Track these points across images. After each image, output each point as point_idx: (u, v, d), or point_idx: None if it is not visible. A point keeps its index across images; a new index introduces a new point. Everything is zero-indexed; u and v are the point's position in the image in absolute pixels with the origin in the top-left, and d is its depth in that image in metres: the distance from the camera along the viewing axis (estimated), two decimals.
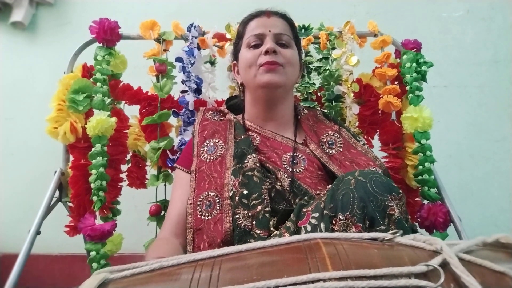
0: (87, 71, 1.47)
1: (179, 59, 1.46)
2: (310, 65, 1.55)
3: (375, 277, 0.47)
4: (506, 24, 2.22)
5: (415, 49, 1.52)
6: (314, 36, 1.56)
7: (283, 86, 1.14)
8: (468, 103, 2.20)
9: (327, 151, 1.14)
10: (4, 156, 2.19)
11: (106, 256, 1.29)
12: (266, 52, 1.10)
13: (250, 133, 1.19)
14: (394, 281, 0.47)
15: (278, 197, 1.03)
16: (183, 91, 1.47)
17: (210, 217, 1.00)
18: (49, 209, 1.33)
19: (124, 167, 1.50)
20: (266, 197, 0.99)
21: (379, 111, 1.54)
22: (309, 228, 0.83)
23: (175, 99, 1.50)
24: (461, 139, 2.18)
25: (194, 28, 1.50)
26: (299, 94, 1.53)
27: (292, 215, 0.90)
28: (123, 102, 1.55)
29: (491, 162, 2.16)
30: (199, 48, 1.50)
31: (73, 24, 2.25)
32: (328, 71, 1.50)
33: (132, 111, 1.56)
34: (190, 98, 1.44)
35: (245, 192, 0.99)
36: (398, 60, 1.56)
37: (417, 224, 1.40)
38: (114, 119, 1.37)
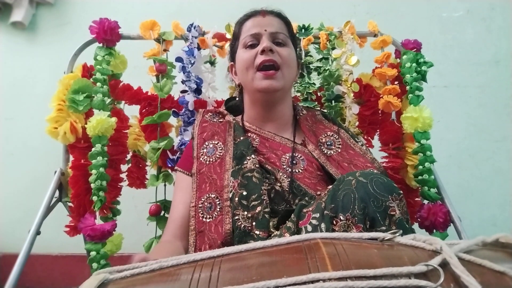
0: (87, 71, 1.47)
1: (179, 59, 1.46)
2: (310, 65, 1.55)
3: (375, 277, 0.47)
4: (506, 24, 2.22)
5: (415, 49, 1.52)
6: (314, 36, 1.56)
7: (282, 89, 1.15)
8: (468, 103, 2.20)
9: (325, 151, 1.14)
10: (4, 156, 2.19)
11: (106, 256, 1.29)
12: (263, 51, 1.10)
13: (249, 134, 1.19)
14: (394, 281, 0.47)
15: (278, 197, 1.03)
16: (183, 91, 1.47)
17: (211, 219, 1.01)
18: (49, 209, 1.33)
19: (124, 167, 1.50)
20: (265, 198, 0.99)
21: (379, 111, 1.53)
22: (309, 228, 0.83)
23: (175, 99, 1.50)
24: (461, 139, 2.18)
25: (194, 28, 1.50)
26: (299, 94, 1.52)
27: (292, 216, 0.90)
28: (123, 102, 1.55)
29: (491, 162, 2.16)
30: (199, 48, 1.50)
31: (73, 24, 2.25)
32: (328, 71, 1.50)
33: (132, 111, 1.56)
34: (190, 98, 1.44)
35: (245, 193, 0.99)
36: (398, 60, 1.56)
37: (416, 224, 1.40)
38: (114, 119, 1.37)
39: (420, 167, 1.40)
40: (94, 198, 1.31)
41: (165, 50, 1.53)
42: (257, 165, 1.05)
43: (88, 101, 1.38)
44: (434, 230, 1.36)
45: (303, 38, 1.52)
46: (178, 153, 1.42)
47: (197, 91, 1.48)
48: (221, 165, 1.09)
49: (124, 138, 1.48)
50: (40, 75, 2.20)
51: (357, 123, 1.52)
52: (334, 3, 2.21)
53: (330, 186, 0.87)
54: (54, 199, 1.36)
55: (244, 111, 1.27)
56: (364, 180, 0.79)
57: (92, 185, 1.31)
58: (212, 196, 1.04)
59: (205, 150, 1.15)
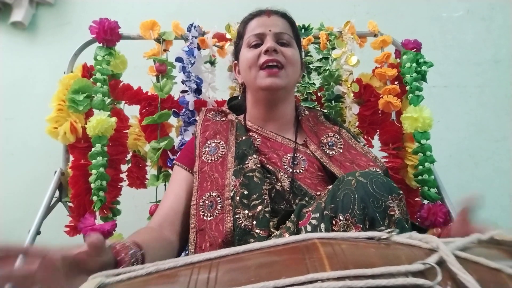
0: (87, 71, 1.47)
1: (179, 59, 1.47)
2: (310, 65, 1.55)
3: (372, 276, 0.47)
4: (506, 24, 2.22)
5: (415, 49, 1.52)
6: (314, 36, 1.56)
7: (285, 88, 1.15)
8: (468, 103, 2.20)
9: (327, 152, 1.14)
10: (4, 156, 2.19)
11: None
12: (266, 51, 1.10)
13: (251, 134, 1.19)
14: (391, 280, 0.47)
15: (278, 197, 1.03)
16: (183, 91, 1.47)
17: (212, 218, 1.01)
18: (49, 209, 1.33)
19: (124, 167, 1.51)
20: (266, 197, 0.99)
21: (379, 111, 1.54)
22: (309, 228, 0.83)
23: (175, 99, 1.51)
24: (461, 139, 2.18)
25: (194, 28, 1.50)
26: (299, 94, 1.53)
27: (292, 216, 0.90)
28: (123, 102, 1.56)
29: (491, 162, 2.16)
30: (199, 48, 1.50)
31: (73, 24, 2.25)
32: (328, 71, 1.50)
33: (132, 111, 1.56)
34: (190, 98, 1.45)
35: (246, 192, 1.00)
36: (398, 60, 1.56)
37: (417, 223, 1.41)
38: (114, 119, 1.37)
39: (420, 167, 1.40)
40: (94, 198, 1.31)
41: (165, 50, 1.53)
42: (258, 165, 1.05)
43: (88, 101, 1.39)
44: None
45: (303, 38, 1.52)
46: (179, 153, 1.42)
47: (197, 91, 1.48)
48: (223, 164, 1.09)
49: (124, 138, 1.49)
50: (40, 75, 2.20)
51: (357, 123, 1.52)
52: (334, 3, 2.21)
53: (330, 186, 0.87)
54: (54, 199, 1.36)
55: (246, 111, 1.27)
56: (364, 180, 0.79)
57: (92, 185, 1.31)
58: (214, 194, 1.04)
59: (207, 149, 1.15)
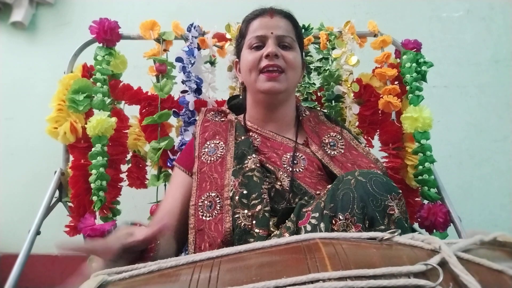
0: (87, 71, 1.47)
1: (179, 59, 1.47)
2: (310, 65, 1.55)
3: (374, 277, 0.47)
4: (506, 24, 2.22)
5: (415, 49, 1.52)
6: (314, 36, 1.56)
7: (285, 92, 1.14)
8: (468, 103, 2.20)
9: (328, 152, 1.14)
10: (4, 156, 2.19)
11: None
12: (267, 56, 1.10)
13: (250, 133, 1.19)
14: (393, 281, 0.47)
15: (278, 196, 1.03)
16: (183, 91, 1.47)
17: (211, 218, 1.01)
18: (49, 209, 1.33)
19: (124, 167, 1.51)
20: (265, 196, 0.99)
21: (379, 111, 1.54)
22: (309, 228, 0.83)
23: (175, 99, 1.50)
24: (461, 139, 2.18)
25: (194, 28, 1.50)
26: (299, 94, 1.53)
27: (292, 215, 0.90)
28: (123, 102, 1.55)
29: (491, 162, 2.16)
30: (199, 48, 1.50)
31: (73, 24, 2.25)
32: (328, 71, 1.50)
33: (132, 111, 1.56)
34: (190, 98, 1.44)
35: (245, 192, 0.99)
36: (398, 60, 1.56)
37: (416, 224, 1.41)
38: (114, 119, 1.37)
39: (420, 167, 1.40)
40: (94, 198, 1.31)
41: (165, 50, 1.53)
42: (257, 165, 1.05)
43: (88, 101, 1.39)
44: (434, 230, 1.36)
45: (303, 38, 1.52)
46: (179, 153, 1.42)
47: (197, 91, 1.48)
48: (222, 164, 1.09)
49: (124, 138, 1.49)
50: (40, 75, 2.20)
51: (357, 123, 1.52)
52: (334, 3, 2.21)
53: (330, 186, 0.87)
54: (54, 199, 1.36)
55: (246, 110, 1.27)
56: (363, 180, 0.79)
57: (92, 185, 1.31)
58: (213, 194, 1.04)
59: (206, 150, 1.15)
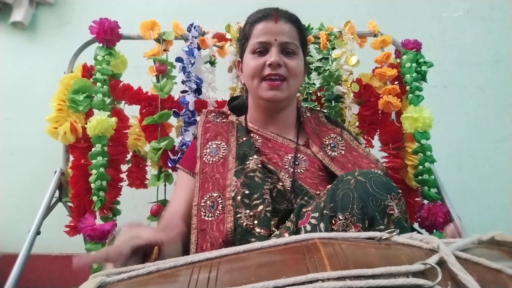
0: (87, 71, 1.47)
1: (179, 59, 1.47)
2: (310, 65, 1.55)
3: (373, 276, 0.47)
4: (506, 24, 2.22)
5: (415, 49, 1.52)
6: (314, 36, 1.56)
7: (286, 99, 1.15)
8: (468, 103, 2.20)
9: (329, 153, 1.14)
10: (4, 156, 2.19)
11: None
12: (270, 65, 1.10)
13: (252, 134, 1.20)
14: (392, 280, 0.47)
15: (280, 197, 1.04)
16: (183, 91, 1.47)
17: (213, 218, 1.01)
18: (49, 209, 1.33)
19: (124, 167, 1.51)
20: (267, 197, 0.99)
21: (379, 111, 1.53)
22: (308, 228, 0.83)
23: (175, 99, 1.50)
24: (461, 139, 2.18)
25: (194, 28, 1.50)
26: (299, 94, 1.52)
27: (292, 215, 0.90)
28: (123, 102, 1.56)
29: (491, 162, 2.16)
30: (199, 48, 1.50)
31: (73, 24, 2.25)
32: (328, 71, 1.50)
33: (132, 111, 1.56)
34: (190, 98, 1.44)
35: (247, 192, 1.00)
36: (398, 60, 1.56)
37: (416, 224, 1.41)
38: (114, 119, 1.37)
39: (420, 167, 1.40)
40: (94, 198, 1.31)
41: (165, 50, 1.53)
42: (259, 165, 1.05)
43: (88, 101, 1.39)
44: (434, 230, 1.36)
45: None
46: (179, 153, 1.42)
47: (197, 91, 1.48)
48: (224, 165, 1.09)
49: (124, 138, 1.49)
50: (40, 75, 2.20)
51: (357, 123, 1.52)
52: (334, 3, 2.21)
53: (329, 186, 0.88)
54: (54, 199, 1.36)
55: (247, 110, 1.27)
56: (363, 180, 0.79)
57: (92, 185, 1.31)
58: (215, 195, 1.04)
59: (208, 150, 1.15)
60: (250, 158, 1.07)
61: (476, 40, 2.23)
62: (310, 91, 1.51)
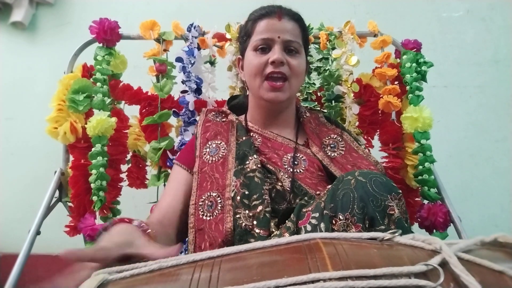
0: (87, 71, 1.47)
1: (179, 59, 1.46)
2: (310, 65, 1.55)
3: (375, 277, 0.47)
4: (506, 24, 2.22)
5: (415, 49, 1.52)
6: (314, 36, 1.56)
7: (287, 100, 1.15)
8: (468, 103, 2.20)
9: (329, 153, 1.14)
10: (4, 156, 2.19)
11: None
12: (273, 62, 1.09)
13: (251, 134, 1.19)
14: (394, 281, 0.47)
15: (279, 197, 1.04)
16: (183, 91, 1.47)
17: (211, 217, 1.01)
18: (49, 209, 1.33)
19: (124, 167, 1.51)
20: (266, 197, 0.99)
21: (379, 111, 1.54)
22: (309, 228, 0.83)
23: (175, 99, 1.50)
24: (461, 139, 2.18)
25: (194, 28, 1.50)
26: (299, 94, 1.52)
27: (292, 215, 0.90)
28: (123, 102, 1.55)
29: (491, 162, 2.16)
30: (199, 48, 1.50)
31: (73, 24, 2.25)
32: (328, 71, 1.50)
33: (132, 111, 1.56)
34: (190, 98, 1.44)
35: (246, 192, 1.00)
36: (398, 60, 1.56)
37: (416, 224, 1.41)
38: (114, 119, 1.37)
39: (420, 167, 1.40)
40: (94, 198, 1.31)
41: (165, 50, 1.53)
42: (259, 165, 1.05)
43: (88, 101, 1.39)
44: (434, 230, 1.36)
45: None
46: (178, 152, 1.42)
47: (197, 91, 1.48)
48: (224, 165, 1.09)
49: (124, 138, 1.49)
50: (40, 75, 2.20)
51: (357, 123, 1.52)
52: (334, 3, 2.21)
53: (330, 186, 0.88)
54: (54, 199, 1.36)
55: (247, 110, 1.27)
56: (363, 180, 0.79)
57: (92, 185, 1.31)
58: (214, 194, 1.04)
59: (207, 150, 1.15)
60: (250, 157, 1.07)
61: (476, 40, 2.23)
62: (310, 91, 1.51)
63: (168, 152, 1.45)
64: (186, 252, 1.08)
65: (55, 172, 1.38)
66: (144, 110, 1.51)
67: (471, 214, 2.03)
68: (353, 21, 1.54)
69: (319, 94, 1.56)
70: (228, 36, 1.51)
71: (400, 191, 0.80)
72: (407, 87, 1.48)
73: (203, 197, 1.04)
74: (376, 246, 0.56)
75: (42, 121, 1.38)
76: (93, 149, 1.33)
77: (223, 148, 1.14)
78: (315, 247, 0.54)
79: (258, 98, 1.16)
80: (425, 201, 1.43)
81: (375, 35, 1.58)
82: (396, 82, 1.55)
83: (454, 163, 2.14)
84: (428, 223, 1.36)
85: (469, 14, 2.24)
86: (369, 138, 1.56)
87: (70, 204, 1.38)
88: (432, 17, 2.25)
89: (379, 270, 0.48)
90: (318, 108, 1.51)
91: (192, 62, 1.46)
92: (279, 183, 1.06)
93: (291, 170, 1.09)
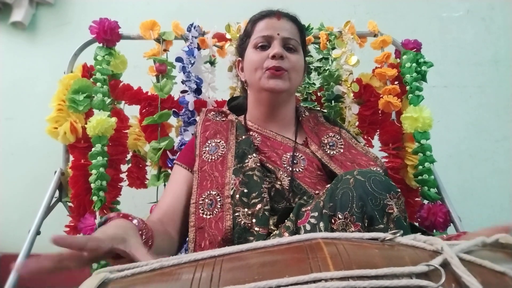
0: (87, 71, 1.47)
1: (179, 59, 1.47)
2: (310, 65, 1.55)
3: (376, 277, 0.47)
4: (506, 24, 2.22)
5: (415, 49, 1.52)
6: (314, 36, 1.56)
7: (287, 91, 1.15)
8: (468, 103, 2.20)
9: (328, 152, 1.15)
10: (4, 156, 2.19)
11: None
12: (273, 57, 1.11)
13: (251, 133, 1.20)
14: (395, 281, 0.47)
15: (278, 196, 1.04)
16: (183, 91, 1.47)
17: (211, 216, 1.01)
18: (49, 209, 1.33)
19: (124, 167, 1.50)
20: (266, 196, 0.99)
21: (379, 111, 1.54)
22: (308, 227, 0.83)
23: (175, 99, 1.51)
24: (461, 139, 2.18)
25: (194, 28, 1.50)
26: (299, 94, 1.53)
27: (291, 215, 0.90)
28: (123, 102, 1.55)
29: (491, 162, 2.16)
30: (199, 48, 1.50)
31: (73, 24, 2.25)
32: (328, 71, 1.50)
33: (132, 111, 1.56)
34: (190, 98, 1.44)
35: (245, 190, 1.00)
36: (398, 60, 1.56)
37: (416, 224, 1.41)
38: (114, 119, 1.37)
39: (420, 167, 1.40)
40: (94, 198, 1.31)
41: (165, 50, 1.53)
42: (258, 164, 1.06)
43: (88, 101, 1.39)
44: (434, 230, 1.36)
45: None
46: (178, 153, 1.42)
47: (197, 91, 1.48)
48: (223, 163, 1.10)
49: (124, 138, 1.49)
50: (40, 75, 2.20)
51: (357, 123, 1.52)
52: (334, 3, 2.21)
53: (328, 185, 0.88)
54: (54, 199, 1.36)
55: (247, 110, 1.27)
56: (362, 179, 0.79)
57: (92, 185, 1.31)
58: (213, 193, 1.04)
59: (207, 149, 1.15)
60: (249, 156, 1.07)
61: (476, 40, 2.23)
62: (310, 91, 1.51)
63: (168, 152, 1.45)
64: (187, 251, 1.08)
65: (55, 172, 1.38)
66: (144, 110, 1.51)
67: (471, 214, 2.02)
68: (353, 21, 1.54)
69: (319, 94, 1.56)
70: (228, 36, 1.52)
71: (399, 190, 0.80)
72: (407, 87, 1.48)
73: (203, 196, 1.05)
74: (378, 246, 0.56)
75: (42, 121, 1.38)
76: (93, 149, 1.33)
77: (223, 146, 1.14)
78: (317, 247, 0.54)
79: (259, 91, 1.17)
80: (425, 201, 1.43)
81: (375, 35, 1.58)
82: (396, 82, 1.55)
83: (454, 163, 2.14)
84: (428, 223, 1.36)
85: (469, 14, 2.25)
86: (369, 138, 1.56)
87: (70, 204, 1.38)
88: (432, 17, 2.25)
89: (381, 270, 0.48)
90: (318, 108, 1.51)
91: (192, 62, 1.46)
92: (278, 182, 1.06)
93: (290, 169, 1.09)
